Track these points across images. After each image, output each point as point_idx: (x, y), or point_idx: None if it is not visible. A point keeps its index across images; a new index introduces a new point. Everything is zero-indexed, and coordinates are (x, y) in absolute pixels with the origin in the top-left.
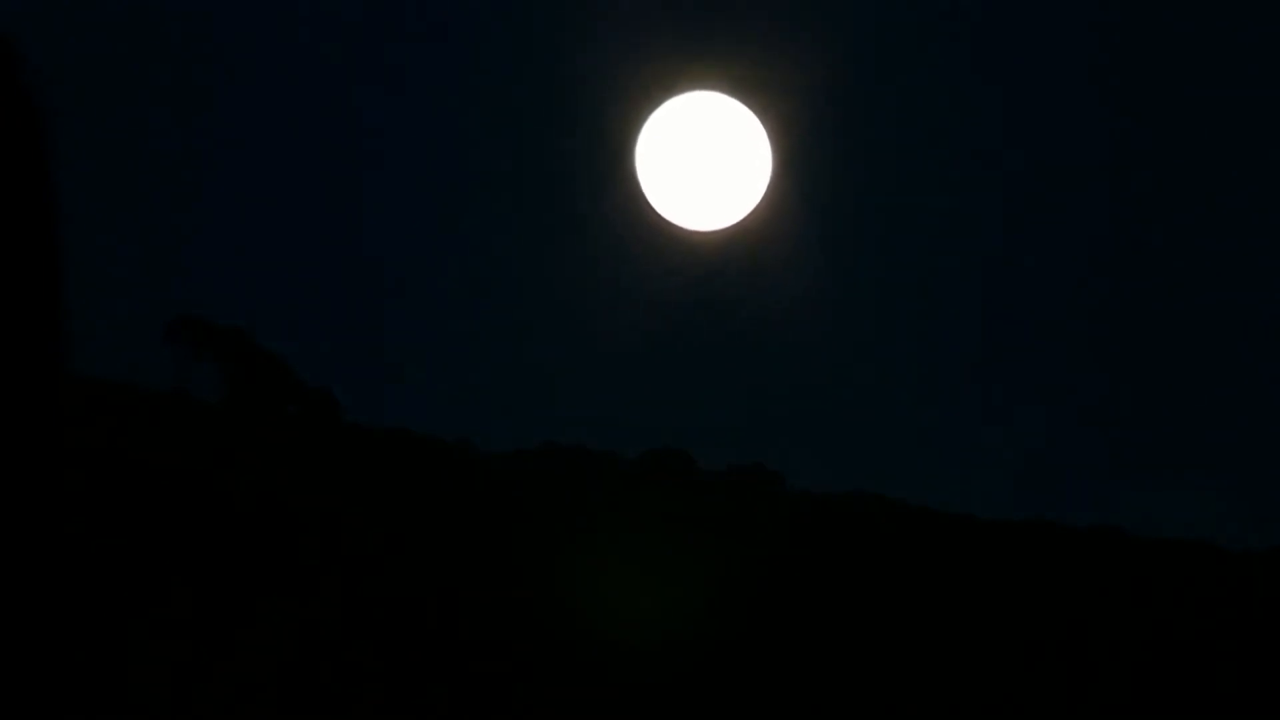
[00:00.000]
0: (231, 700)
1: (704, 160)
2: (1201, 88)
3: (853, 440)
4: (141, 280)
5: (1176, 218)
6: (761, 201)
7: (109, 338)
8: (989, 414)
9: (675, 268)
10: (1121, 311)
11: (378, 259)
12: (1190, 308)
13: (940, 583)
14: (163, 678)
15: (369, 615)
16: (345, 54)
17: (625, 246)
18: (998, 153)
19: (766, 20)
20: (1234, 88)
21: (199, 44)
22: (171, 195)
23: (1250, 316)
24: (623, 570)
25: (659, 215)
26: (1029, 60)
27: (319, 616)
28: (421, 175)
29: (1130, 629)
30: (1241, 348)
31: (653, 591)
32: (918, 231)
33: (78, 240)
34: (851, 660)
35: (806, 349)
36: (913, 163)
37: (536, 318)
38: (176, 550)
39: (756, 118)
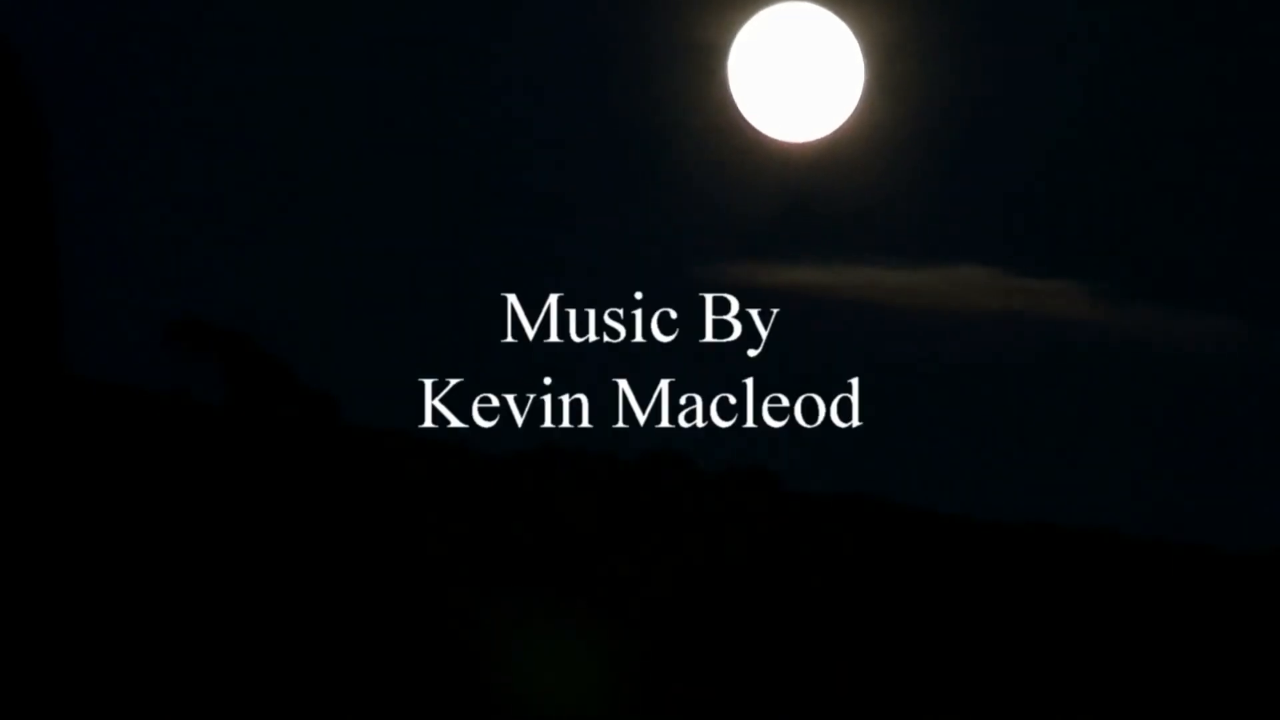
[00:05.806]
0: (228, 700)
1: (797, 72)
2: None
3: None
4: (141, 280)
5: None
6: (853, 114)
7: (109, 338)
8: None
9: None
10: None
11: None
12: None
13: (941, 585)
14: (160, 678)
15: (368, 617)
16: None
17: (715, 156)
18: (1105, 74)
19: None
20: None
21: (202, 43)
22: (172, 195)
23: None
24: (622, 571)
25: (750, 126)
26: None
27: (316, 617)
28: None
29: (1129, 630)
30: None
31: (651, 593)
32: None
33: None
34: (851, 661)
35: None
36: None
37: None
38: (175, 551)
39: (850, 30)
